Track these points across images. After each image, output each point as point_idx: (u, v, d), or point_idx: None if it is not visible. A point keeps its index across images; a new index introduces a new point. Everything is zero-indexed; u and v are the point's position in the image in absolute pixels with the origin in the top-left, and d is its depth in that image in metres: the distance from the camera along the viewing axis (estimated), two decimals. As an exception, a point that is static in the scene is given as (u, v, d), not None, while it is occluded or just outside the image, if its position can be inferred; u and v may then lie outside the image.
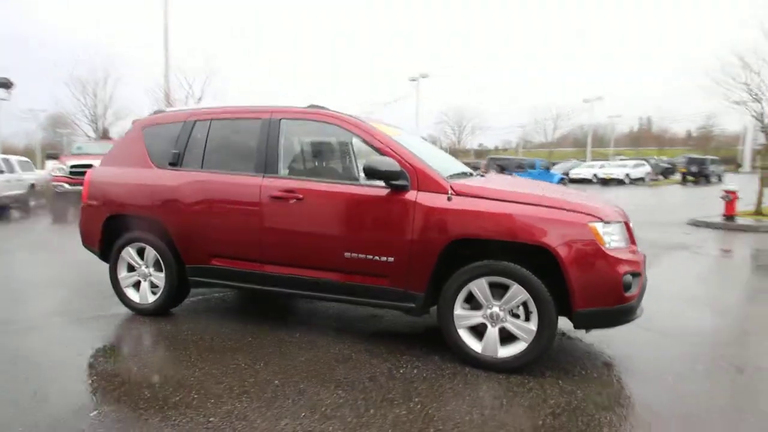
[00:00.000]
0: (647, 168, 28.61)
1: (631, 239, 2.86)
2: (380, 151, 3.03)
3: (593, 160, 35.27)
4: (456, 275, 2.80)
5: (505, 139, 69.08)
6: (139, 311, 3.68)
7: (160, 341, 3.22)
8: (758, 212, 9.98)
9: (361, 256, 2.98)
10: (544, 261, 2.66)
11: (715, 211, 9.86)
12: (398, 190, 2.90)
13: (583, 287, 2.58)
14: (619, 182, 26.88)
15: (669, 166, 32.49)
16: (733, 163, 38.17)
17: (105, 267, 3.78)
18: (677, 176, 29.51)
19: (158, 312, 3.63)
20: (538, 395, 2.48)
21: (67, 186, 10.85)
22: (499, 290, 2.76)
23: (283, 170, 3.30)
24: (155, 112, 4.00)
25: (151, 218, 3.55)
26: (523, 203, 2.76)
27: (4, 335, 3.28)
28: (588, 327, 2.79)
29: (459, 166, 3.64)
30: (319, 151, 3.77)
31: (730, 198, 9.30)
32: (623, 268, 2.63)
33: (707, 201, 14.15)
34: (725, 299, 4.57)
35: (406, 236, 2.85)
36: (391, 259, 2.91)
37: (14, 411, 2.26)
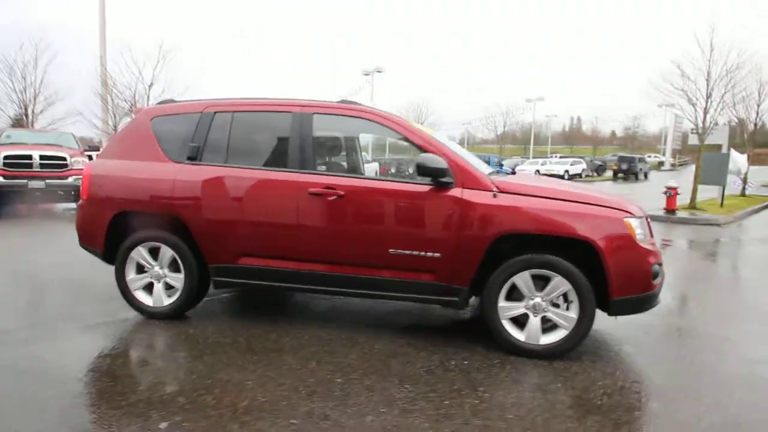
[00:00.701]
0: (584, 165, 30.89)
1: (650, 232, 3.15)
2: (422, 149, 3.08)
3: (534, 157, 37.49)
4: (502, 269, 2.92)
5: (450, 134, 71.32)
6: (152, 315, 3.45)
7: (192, 346, 3.04)
8: (693, 207, 11.19)
9: (407, 252, 3.02)
10: (578, 253, 2.87)
11: (652, 205, 10.90)
12: (444, 187, 2.97)
13: (620, 277, 2.82)
14: (560, 178, 28.79)
15: (601, 163, 35.31)
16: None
17: (84, 268, 3.49)
18: (609, 173, 32.22)
19: (174, 315, 3.43)
20: (587, 378, 2.69)
21: (1, 179, 9.70)
22: (539, 282, 2.93)
23: (319, 166, 3.24)
24: (163, 102, 3.74)
25: (170, 216, 3.34)
26: (564, 200, 2.94)
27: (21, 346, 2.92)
28: (621, 314, 3.04)
29: (484, 164, 3.77)
30: (353, 147, 3.74)
31: (671, 194, 10.34)
32: (652, 259, 2.90)
33: (642, 196, 15.61)
34: (674, 282, 5.15)
35: (454, 232, 2.93)
36: (437, 254, 2.98)
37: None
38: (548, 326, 2.94)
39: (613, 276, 2.80)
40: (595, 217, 2.86)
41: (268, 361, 2.79)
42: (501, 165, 23.36)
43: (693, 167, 12.04)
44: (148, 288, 3.49)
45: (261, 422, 2.14)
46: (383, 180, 3.20)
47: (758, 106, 14.71)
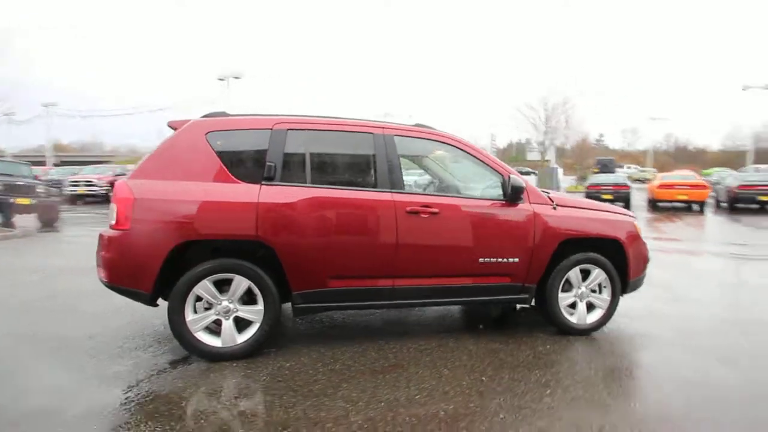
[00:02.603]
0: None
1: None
2: (494, 169, 3.56)
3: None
4: (561, 266, 3.61)
5: None
6: (220, 356, 3.03)
7: (318, 377, 2.84)
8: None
9: (493, 260, 3.45)
10: (606, 249, 3.76)
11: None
12: (517, 202, 3.50)
13: (634, 264, 3.81)
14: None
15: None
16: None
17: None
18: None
19: (249, 353, 3.09)
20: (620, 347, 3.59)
21: None
22: (582, 274, 3.72)
23: (406, 186, 3.39)
24: (215, 114, 3.28)
25: (253, 242, 3.02)
26: (593, 209, 3.81)
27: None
28: (631, 292, 4.01)
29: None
30: (427, 166, 3.90)
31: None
32: (647, 250, 4.00)
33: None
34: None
35: (530, 240, 3.50)
36: (516, 259, 3.49)
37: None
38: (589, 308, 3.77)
39: (631, 264, 3.78)
40: (617, 221, 3.81)
41: (406, 377, 2.86)
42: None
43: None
44: (211, 327, 3.06)
45: (481, 425, 2.32)
46: (467, 197, 3.54)
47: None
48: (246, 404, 2.56)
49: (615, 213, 3.89)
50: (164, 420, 2.33)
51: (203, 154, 3.07)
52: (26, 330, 3.69)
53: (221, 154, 3.09)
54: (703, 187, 16.06)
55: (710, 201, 16.78)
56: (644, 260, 3.92)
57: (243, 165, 3.13)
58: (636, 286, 3.95)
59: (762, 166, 21.82)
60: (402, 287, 3.32)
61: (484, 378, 2.88)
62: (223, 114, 3.30)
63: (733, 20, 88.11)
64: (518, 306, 4.26)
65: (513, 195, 3.44)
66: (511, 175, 3.46)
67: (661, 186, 16.49)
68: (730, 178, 16.82)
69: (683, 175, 17.74)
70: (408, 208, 3.26)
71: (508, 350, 3.35)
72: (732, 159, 39.80)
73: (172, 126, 3.25)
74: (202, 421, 2.35)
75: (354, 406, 2.50)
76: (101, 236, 3.02)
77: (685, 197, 15.69)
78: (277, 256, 3.04)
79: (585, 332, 3.70)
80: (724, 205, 16.00)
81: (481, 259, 3.43)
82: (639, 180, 33.30)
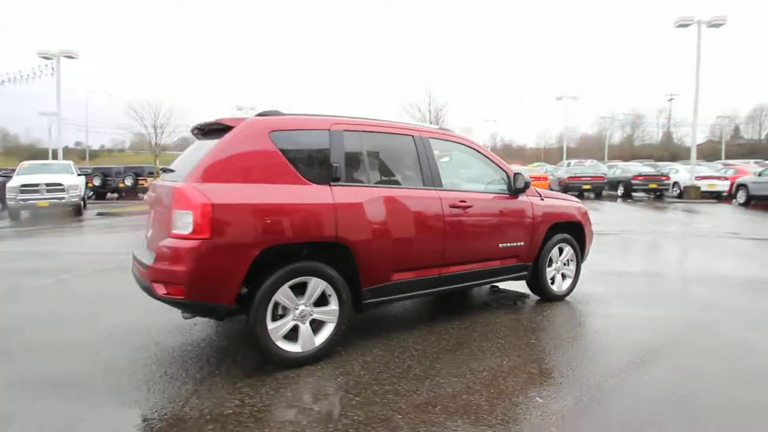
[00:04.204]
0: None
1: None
2: (499, 167, 4.17)
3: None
4: (550, 243, 4.42)
5: (117, 138, 62.95)
6: (303, 361, 2.99)
7: (414, 370, 3.00)
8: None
9: (509, 244, 4.07)
10: (569, 230, 4.74)
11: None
12: (519, 194, 4.18)
13: (588, 240, 4.88)
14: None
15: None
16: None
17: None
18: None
19: (324, 355, 3.10)
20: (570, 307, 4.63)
21: None
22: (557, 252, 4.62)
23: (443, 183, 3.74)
24: (269, 113, 3.10)
25: (332, 244, 3.03)
26: (563, 199, 4.74)
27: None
28: (583, 262, 5.07)
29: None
30: (453, 165, 4.20)
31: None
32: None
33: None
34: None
35: (531, 226, 4.22)
36: (522, 243, 4.18)
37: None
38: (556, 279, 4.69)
39: (587, 241, 4.84)
40: (577, 207, 4.80)
41: (479, 349, 3.28)
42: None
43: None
44: (289, 333, 2.98)
45: (552, 363, 2.90)
46: (485, 192, 4.05)
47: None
48: (379, 398, 2.63)
49: (573, 201, 4.89)
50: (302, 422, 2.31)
51: (271, 154, 2.95)
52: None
53: (287, 155, 3.00)
54: (544, 179, 19.78)
55: (547, 191, 20.76)
56: (591, 236, 5.03)
57: (309, 166, 3.08)
58: (585, 257, 5.04)
59: (574, 161, 27.74)
60: (446, 275, 3.69)
61: (533, 340, 3.48)
62: (277, 113, 3.17)
63: (550, 39, 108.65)
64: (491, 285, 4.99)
65: (518, 190, 4.11)
66: (516, 173, 4.13)
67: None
68: (561, 171, 21.01)
69: (529, 169, 21.46)
70: (450, 203, 3.64)
71: (525, 318, 4.03)
72: (546, 155, 49.30)
73: (224, 123, 2.99)
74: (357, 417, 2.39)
75: (465, 379, 2.82)
76: (165, 248, 2.66)
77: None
78: (353, 255, 3.11)
79: (562, 298, 4.61)
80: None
81: (501, 244, 4.02)
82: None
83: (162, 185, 3.12)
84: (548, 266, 4.49)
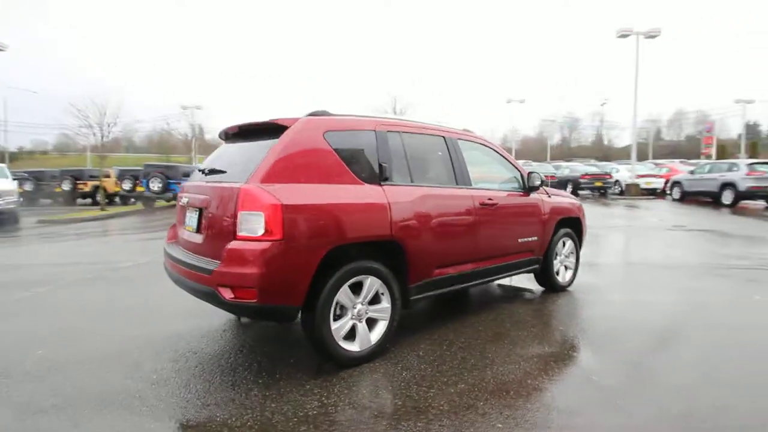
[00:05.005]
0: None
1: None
2: (513, 166, 4.42)
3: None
4: (556, 238, 4.74)
5: (38, 139, 58.33)
6: (359, 360, 3.03)
7: (454, 362, 3.11)
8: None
9: (526, 239, 4.32)
10: (570, 225, 5.09)
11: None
12: (531, 192, 4.45)
13: (584, 233, 5.26)
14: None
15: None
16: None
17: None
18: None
19: (379, 352, 3.15)
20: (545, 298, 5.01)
21: None
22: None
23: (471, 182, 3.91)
24: (319, 113, 3.08)
25: (387, 242, 3.08)
26: (563, 196, 5.08)
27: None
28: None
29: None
30: (475, 164, 4.32)
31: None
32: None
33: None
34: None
35: (542, 222, 4.50)
36: (536, 238, 4.45)
37: None
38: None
39: (583, 233, 5.23)
40: (576, 203, 5.17)
41: (519, 337, 3.48)
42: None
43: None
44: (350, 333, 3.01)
45: (570, 334, 3.16)
46: (504, 191, 4.25)
47: None
48: (452, 389, 2.72)
49: (571, 197, 5.26)
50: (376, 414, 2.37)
51: (327, 155, 2.96)
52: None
53: (340, 155, 3.02)
54: (552, 178, 20.67)
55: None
56: (586, 230, 5.44)
57: (360, 166, 3.12)
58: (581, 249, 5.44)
59: (521, 161, 29.18)
60: (477, 270, 3.85)
61: (561, 327, 3.75)
62: (326, 113, 3.17)
63: (500, 45, 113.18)
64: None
65: (531, 188, 4.38)
66: (530, 172, 4.39)
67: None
68: (566, 170, 22.00)
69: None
70: (480, 201, 3.82)
71: (538, 307, 4.32)
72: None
73: (279, 123, 2.95)
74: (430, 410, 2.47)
75: (520, 366, 3.00)
76: (234, 251, 2.58)
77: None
78: (403, 253, 3.19)
79: (565, 288, 4.95)
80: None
81: (520, 239, 4.26)
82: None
83: (213, 186, 3.00)
84: (554, 259, 4.81)
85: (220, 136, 3.71)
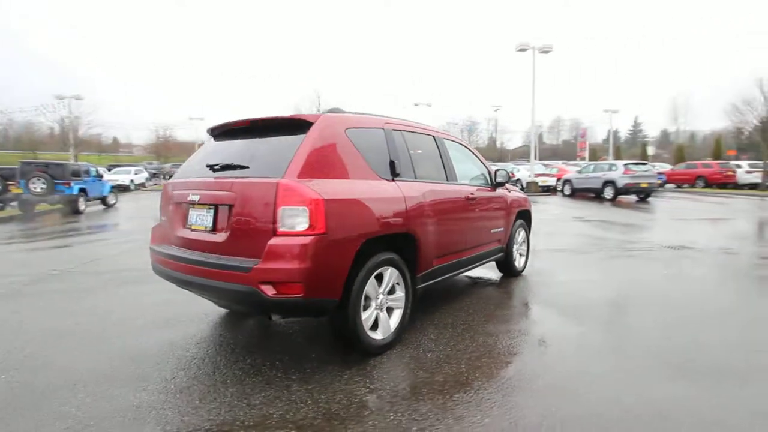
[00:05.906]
0: (146, 174, 30.48)
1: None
2: (482, 163, 4.87)
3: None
4: (514, 228, 5.30)
5: None
6: (383, 348, 3.17)
7: (465, 341, 3.38)
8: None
9: (496, 230, 4.79)
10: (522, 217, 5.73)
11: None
12: (498, 187, 4.94)
13: (530, 223, 5.95)
14: (125, 188, 26.97)
15: (155, 171, 35.93)
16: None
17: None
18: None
19: (397, 340, 3.32)
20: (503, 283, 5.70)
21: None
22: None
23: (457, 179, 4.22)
24: (335, 111, 3.12)
25: (404, 235, 3.25)
26: (517, 192, 5.68)
27: None
28: (527, 242, 6.11)
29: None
30: (456, 162, 4.56)
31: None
32: (528, 215, 6.22)
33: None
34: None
35: (507, 214, 5.02)
36: (502, 228, 4.95)
37: None
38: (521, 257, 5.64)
39: (531, 224, 5.90)
40: (525, 197, 5.81)
41: (509, 319, 3.88)
42: (100, 177, 19.23)
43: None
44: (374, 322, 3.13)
45: (533, 307, 3.71)
46: (478, 186, 4.64)
47: None
48: (480, 362, 2.98)
49: (521, 192, 5.90)
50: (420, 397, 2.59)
51: (350, 151, 3.04)
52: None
53: (361, 151, 3.12)
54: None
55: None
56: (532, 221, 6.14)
57: (376, 162, 3.24)
58: (528, 238, 6.13)
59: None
60: (463, 259, 4.20)
61: (527, 300, 4.26)
62: (340, 110, 3.22)
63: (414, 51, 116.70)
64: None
65: (498, 183, 4.86)
66: (497, 170, 4.88)
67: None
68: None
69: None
70: (466, 196, 4.17)
71: (507, 291, 4.83)
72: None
73: (303, 119, 2.94)
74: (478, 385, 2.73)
75: (521, 338, 3.40)
76: (277, 247, 2.54)
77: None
78: (415, 245, 3.38)
79: (520, 273, 5.56)
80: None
81: (492, 230, 4.71)
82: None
83: (235, 182, 2.86)
84: (512, 247, 5.37)
85: (211, 132, 3.54)
